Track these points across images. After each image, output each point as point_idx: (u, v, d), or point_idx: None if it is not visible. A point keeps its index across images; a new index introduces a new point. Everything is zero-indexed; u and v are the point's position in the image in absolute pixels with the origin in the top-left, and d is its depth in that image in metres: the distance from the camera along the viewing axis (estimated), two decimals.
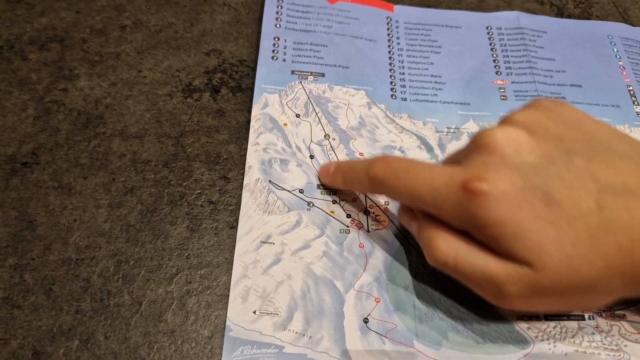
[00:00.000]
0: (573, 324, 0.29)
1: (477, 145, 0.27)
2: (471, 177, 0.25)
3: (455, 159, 0.28)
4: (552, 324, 0.29)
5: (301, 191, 0.32)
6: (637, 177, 0.25)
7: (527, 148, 0.26)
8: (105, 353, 0.26)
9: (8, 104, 0.34)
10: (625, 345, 0.28)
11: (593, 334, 0.29)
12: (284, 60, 0.38)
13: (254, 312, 0.27)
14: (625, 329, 0.29)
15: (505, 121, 0.28)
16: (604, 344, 0.28)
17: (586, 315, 0.29)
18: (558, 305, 0.27)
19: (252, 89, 0.37)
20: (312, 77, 0.38)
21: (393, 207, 0.32)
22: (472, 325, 0.28)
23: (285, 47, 0.39)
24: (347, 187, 0.32)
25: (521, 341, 0.28)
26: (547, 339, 0.28)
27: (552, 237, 0.24)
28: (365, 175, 0.29)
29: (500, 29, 0.43)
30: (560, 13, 0.45)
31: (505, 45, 0.42)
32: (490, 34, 0.42)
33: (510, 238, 0.24)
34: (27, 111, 0.34)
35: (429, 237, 0.27)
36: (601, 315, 0.29)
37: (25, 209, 0.30)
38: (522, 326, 0.29)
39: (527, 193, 0.24)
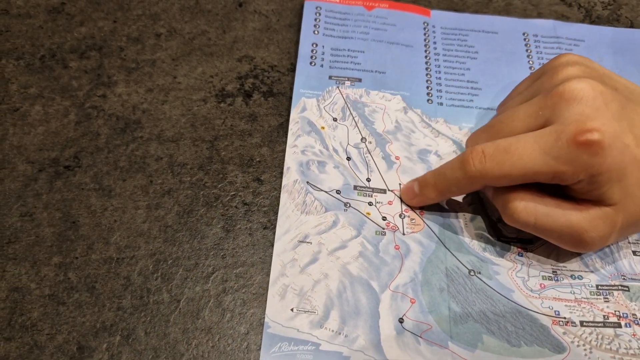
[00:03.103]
0: (609, 331, 0.31)
1: (561, 99, 0.30)
2: (579, 131, 0.28)
3: (532, 116, 0.31)
4: (588, 330, 0.31)
5: (338, 192, 0.35)
6: None
7: (609, 97, 0.30)
8: (145, 348, 0.30)
9: (51, 110, 0.38)
10: None
11: (630, 341, 0.31)
12: (322, 65, 0.42)
13: (292, 309, 0.31)
14: None
15: (567, 76, 0.31)
16: None
17: (622, 323, 0.32)
18: (624, 237, 0.33)
19: (283, 94, 0.41)
20: (349, 82, 0.41)
21: (428, 211, 0.35)
22: (507, 328, 0.31)
23: (323, 53, 0.43)
24: (443, 197, 0.34)
25: (557, 346, 0.30)
26: (584, 345, 0.31)
27: (638, 178, 0.29)
28: (463, 176, 0.31)
29: (536, 36, 0.46)
30: (588, 15, 0.48)
31: (541, 53, 0.45)
32: (527, 40, 0.45)
33: (614, 182, 0.29)
34: (69, 117, 0.38)
35: (506, 200, 0.31)
36: (638, 324, 0.32)
37: (68, 210, 0.34)
38: (557, 331, 0.31)
39: (625, 137, 0.29)
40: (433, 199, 0.34)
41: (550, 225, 0.30)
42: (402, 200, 0.35)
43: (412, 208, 0.35)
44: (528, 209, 0.30)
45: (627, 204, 0.29)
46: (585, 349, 0.30)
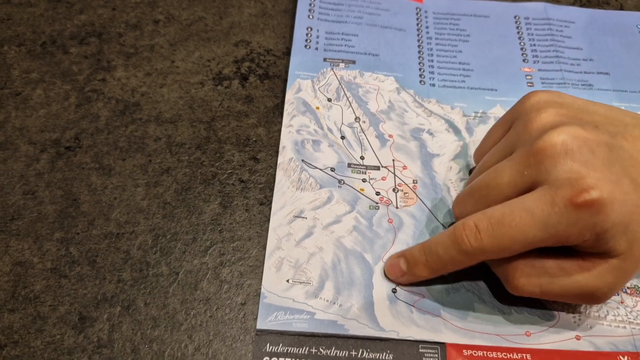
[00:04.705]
0: None
1: (545, 157, 0.27)
2: (575, 192, 0.26)
3: (517, 177, 0.29)
4: None
5: (332, 169, 0.36)
6: None
7: (594, 143, 0.27)
8: (145, 318, 0.31)
9: (52, 93, 0.39)
10: None
11: (618, 308, 0.32)
12: (317, 48, 0.43)
13: (287, 280, 0.31)
14: None
15: (543, 126, 0.29)
16: (629, 318, 0.31)
17: None
18: (629, 280, 0.29)
19: (278, 77, 0.41)
20: (343, 64, 0.42)
21: (421, 185, 0.36)
22: (498, 297, 0.32)
23: (317, 37, 0.43)
24: (437, 274, 0.31)
25: (546, 314, 0.31)
26: (572, 313, 0.31)
27: None
28: (458, 254, 0.29)
29: (527, 18, 0.46)
30: None
31: (532, 35, 0.45)
32: (518, 23, 0.46)
33: (620, 235, 0.27)
34: (70, 100, 0.39)
35: (507, 274, 0.29)
36: (626, 292, 0.32)
37: (69, 188, 0.35)
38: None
39: (623, 185, 0.27)
40: (425, 277, 0.31)
41: (558, 291, 0.28)
42: (387, 277, 0.32)
43: (405, 183, 0.36)
44: (531, 281, 0.28)
45: (633, 250, 0.27)
46: (574, 317, 0.31)
